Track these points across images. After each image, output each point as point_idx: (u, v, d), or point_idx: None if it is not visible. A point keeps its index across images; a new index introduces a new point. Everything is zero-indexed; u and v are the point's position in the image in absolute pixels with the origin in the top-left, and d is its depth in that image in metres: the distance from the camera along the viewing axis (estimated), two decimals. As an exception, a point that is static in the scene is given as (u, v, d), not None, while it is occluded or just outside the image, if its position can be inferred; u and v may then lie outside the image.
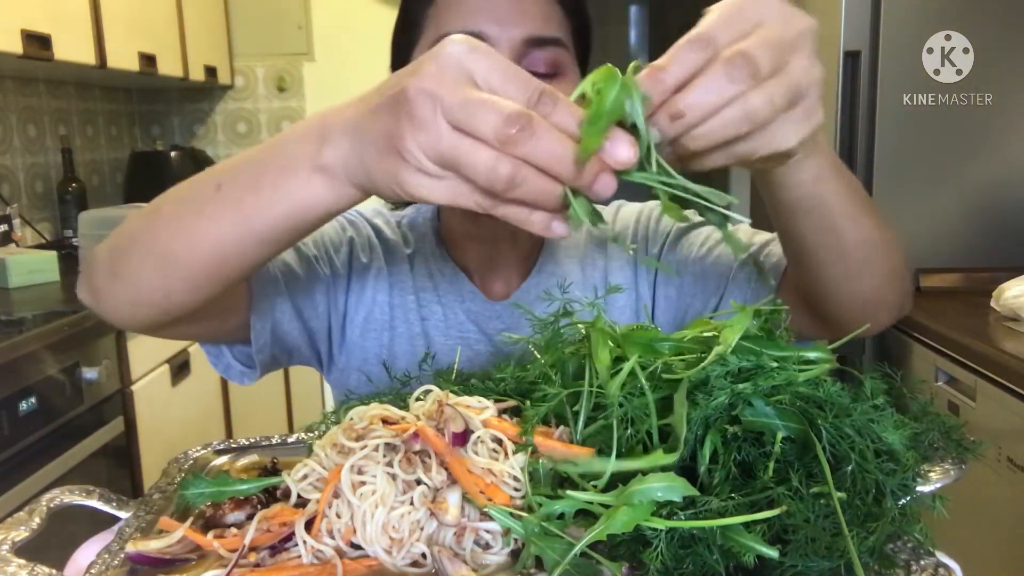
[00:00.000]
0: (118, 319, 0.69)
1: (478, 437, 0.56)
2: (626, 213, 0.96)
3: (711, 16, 0.51)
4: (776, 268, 0.82)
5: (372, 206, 0.94)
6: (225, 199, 0.59)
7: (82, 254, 2.36)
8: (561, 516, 0.50)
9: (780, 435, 0.51)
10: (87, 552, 0.58)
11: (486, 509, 0.52)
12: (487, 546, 0.52)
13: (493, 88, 0.47)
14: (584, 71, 0.86)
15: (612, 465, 0.52)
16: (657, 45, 5.20)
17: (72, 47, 2.24)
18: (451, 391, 0.64)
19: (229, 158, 0.62)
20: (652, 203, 0.96)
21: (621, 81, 0.46)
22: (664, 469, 0.50)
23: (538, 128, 0.45)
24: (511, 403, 0.63)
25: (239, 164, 0.60)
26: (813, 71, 0.51)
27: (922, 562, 0.48)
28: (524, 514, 0.51)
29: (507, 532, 0.51)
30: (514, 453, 0.56)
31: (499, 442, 0.57)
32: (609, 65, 0.47)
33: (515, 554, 0.52)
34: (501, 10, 0.78)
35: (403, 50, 0.85)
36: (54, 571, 0.52)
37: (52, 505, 0.60)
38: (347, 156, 0.52)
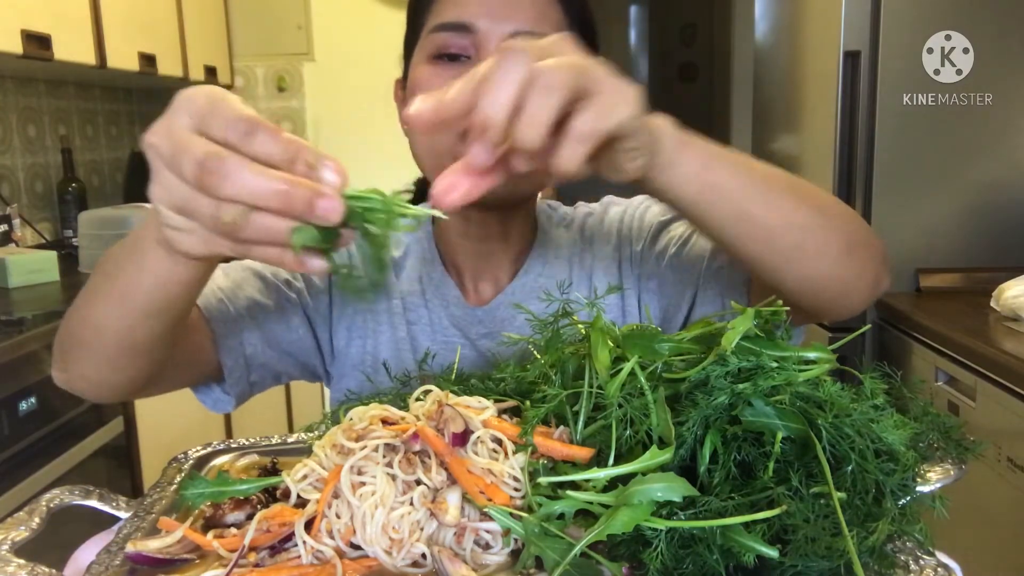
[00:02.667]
0: (88, 397, 0.73)
1: (478, 437, 0.56)
2: (613, 211, 0.96)
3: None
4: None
5: None
6: (109, 282, 0.61)
7: (82, 254, 2.36)
8: (561, 516, 0.50)
9: (780, 435, 0.51)
10: (87, 552, 0.58)
11: (486, 509, 0.52)
12: (487, 546, 0.52)
13: (208, 131, 0.45)
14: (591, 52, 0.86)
15: (609, 471, 0.52)
16: (657, 45, 5.20)
17: (72, 47, 2.24)
18: (451, 391, 0.64)
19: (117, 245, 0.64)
20: (638, 199, 0.96)
21: None
22: (663, 468, 0.50)
23: (231, 167, 0.43)
24: (511, 403, 0.63)
25: (115, 252, 0.62)
26: (585, 62, 0.50)
27: (922, 562, 0.48)
28: (524, 514, 0.51)
29: (507, 532, 0.51)
30: (514, 453, 0.56)
31: (499, 442, 0.57)
32: None
33: (515, 554, 0.52)
34: (495, 4, 0.78)
35: (408, 50, 0.86)
36: (54, 571, 0.52)
37: (52, 505, 0.60)
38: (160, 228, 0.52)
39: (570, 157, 0.49)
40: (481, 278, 0.92)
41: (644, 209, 0.94)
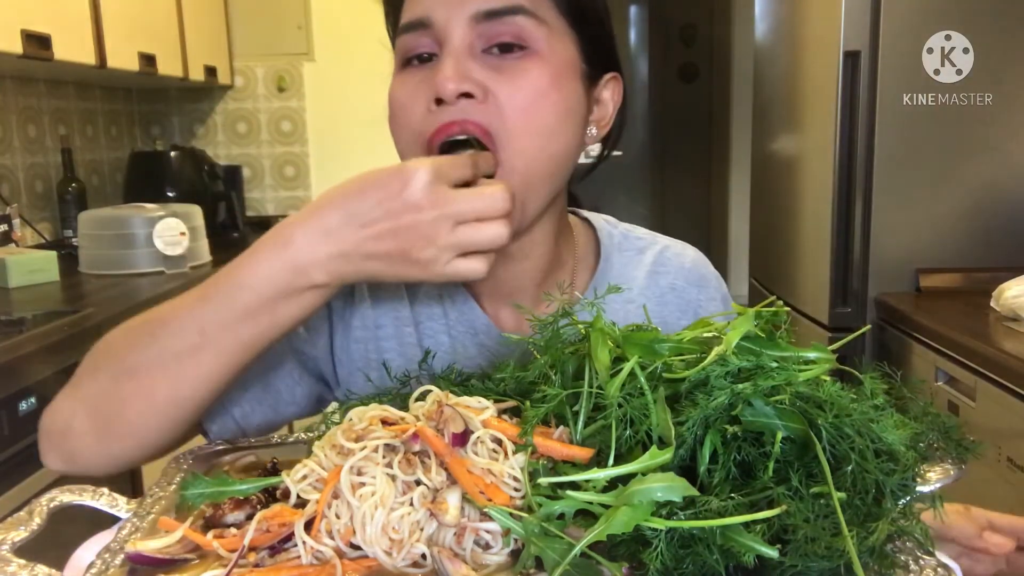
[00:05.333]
0: (99, 472, 0.71)
1: (478, 438, 0.56)
2: (714, 305, 0.89)
3: None
4: None
5: None
6: (212, 342, 0.65)
7: (82, 254, 2.36)
8: (561, 516, 0.50)
9: (780, 435, 0.51)
10: (87, 552, 0.58)
11: (486, 509, 0.52)
12: (487, 546, 0.52)
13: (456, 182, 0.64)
14: (596, 48, 0.78)
15: (609, 471, 0.51)
16: (657, 45, 5.20)
17: (72, 47, 2.24)
18: (450, 391, 0.64)
19: (173, 307, 0.68)
20: (726, 296, 0.91)
21: None
22: (663, 468, 0.50)
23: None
24: (511, 403, 0.63)
25: (206, 306, 0.65)
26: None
27: (922, 562, 0.48)
28: (524, 514, 0.51)
29: (507, 532, 0.51)
30: (514, 453, 0.56)
31: (499, 442, 0.57)
32: None
33: (515, 554, 0.52)
34: None
35: (392, 36, 0.81)
36: (54, 571, 0.52)
37: (52, 505, 0.60)
38: (341, 272, 0.64)
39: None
40: (500, 302, 0.85)
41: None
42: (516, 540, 0.51)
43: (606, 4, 0.80)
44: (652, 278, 0.88)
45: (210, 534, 0.54)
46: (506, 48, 0.72)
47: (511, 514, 0.51)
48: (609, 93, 0.82)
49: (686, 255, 0.91)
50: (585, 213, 0.94)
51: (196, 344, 0.64)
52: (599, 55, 0.79)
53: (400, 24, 0.75)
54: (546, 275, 0.84)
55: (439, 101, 0.71)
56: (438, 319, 0.84)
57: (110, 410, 0.67)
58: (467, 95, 0.70)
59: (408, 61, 0.75)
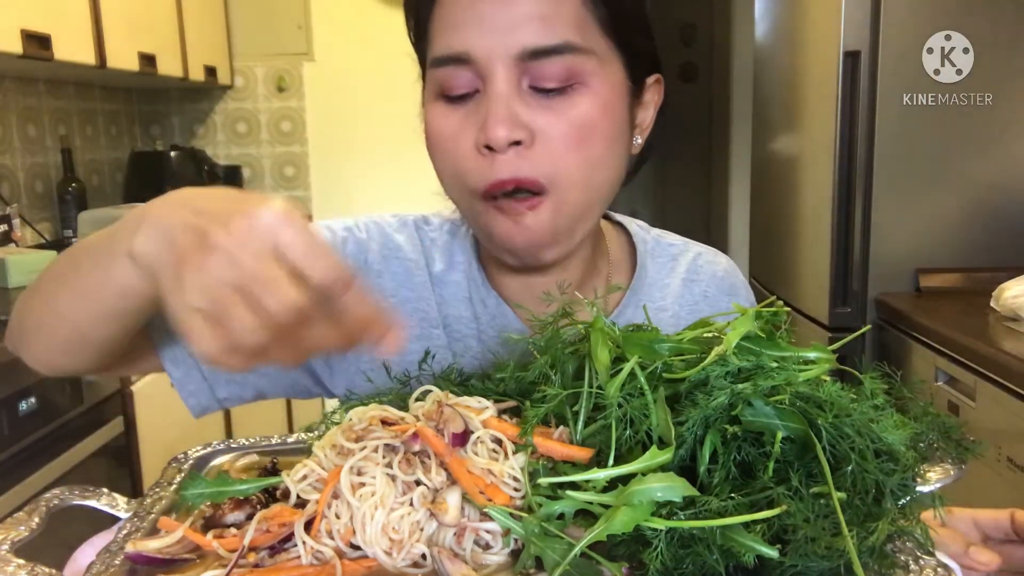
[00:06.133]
0: (39, 369, 0.73)
1: (478, 438, 0.56)
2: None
3: None
4: None
5: (396, 214, 0.88)
6: (76, 277, 0.62)
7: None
8: (561, 516, 0.50)
9: (780, 435, 0.51)
10: (87, 552, 0.58)
11: (486, 510, 0.52)
12: (487, 546, 0.52)
13: (293, 261, 0.48)
14: (641, 59, 0.75)
15: (609, 471, 0.51)
16: (657, 45, 5.19)
17: (72, 47, 2.24)
18: (451, 391, 0.64)
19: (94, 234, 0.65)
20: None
21: None
22: (663, 468, 0.50)
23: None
24: (511, 403, 0.63)
25: (90, 243, 0.62)
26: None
27: (922, 562, 0.48)
28: (524, 514, 0.51)
29: (507, 532, 0.51)
30: (514, 453, 0.56)
31: (499, 442, 0.57)
32: None
33: (515, 554, 0.52)
34: (488, 20, 0.67)
35: (422, 58, 0.77)
36: (54, 571, 0.52)
37: (52, 505, 0.60)
38: (151, 253, 0.53)
39: None
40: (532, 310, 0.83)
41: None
42: (516, 540, 0.51)
43: (647, 9, 0.76)
44: (687, 287, 0.88)
45: (210, 534, 0.54)
46: (549, 91, 0.69)
47: (511, 514, 0.51)
48: (651, 95, 0.79)
49: (718, 263, 0.92)
50: (618, 217, 0.93)
51: (66, 274, 0.64)
52: (644, 65, 0.76)
53: (436, 55, 0.71)
54: (582, 282, 0.83)
55: (489, 147, 0.68)
56: (467, 324, 0.82)
57: (18, 313, 0.71)
58: (517, 142, 0.68)
59: (446, 94, 0.71)
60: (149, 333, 0.77)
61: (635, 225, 0.92)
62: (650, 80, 0.78)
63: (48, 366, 0.71)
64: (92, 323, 0.63)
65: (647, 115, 0.79)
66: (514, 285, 0.83)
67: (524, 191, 0.70)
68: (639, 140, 0.79)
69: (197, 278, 0.47)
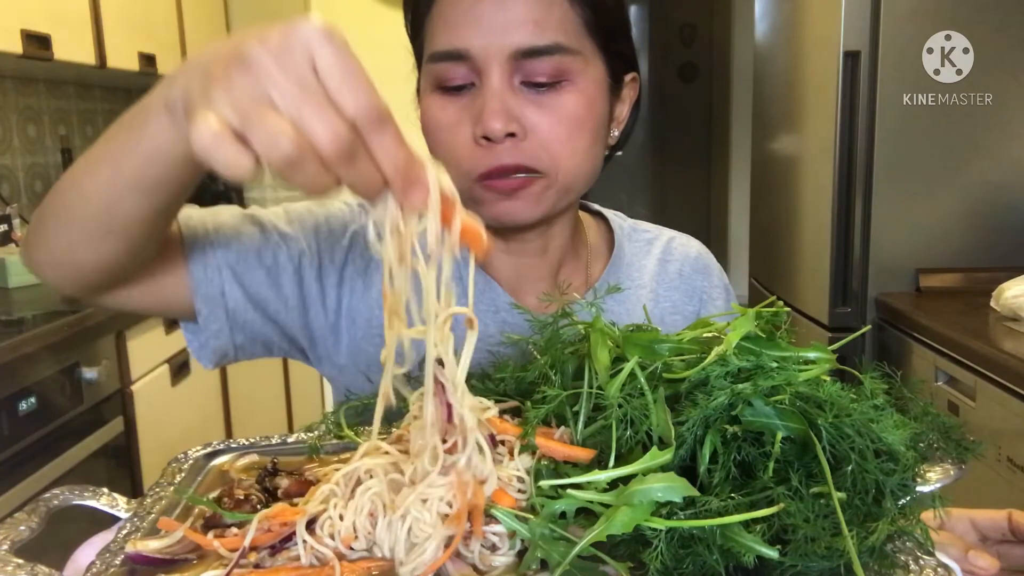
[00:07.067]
0: (44, 279, 0.71)
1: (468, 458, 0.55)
2: (718, 293, 0.98)
3: None
4: None
5: None
6: (105, 146, 0.59)
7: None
8: (562, 515, 0.50)
9: (780, 435, 0.51)
10: (87, 552, 0.58)
11: (491, 511, 0.52)
12: (494, 548, 0.52)
13: (327, 85, 0.44)
14: (620, 58, 0.82)
15: (610, 472, 0.52)
16: (657, 45, 5.20)
17: (72, 47, 2.24)
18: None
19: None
20: (727, 289, 0.99)
21: None
22: (663, 468, 0.50)
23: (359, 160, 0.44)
24: (511, 403, 0.63)
25: (122, 117, 0.58)
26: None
27: (922, 562, 0.48)
28: (530, 516, 0.51)
29: (513, 534, 0.51)
30: (518, 454, 0.56)
31: (501, 443, 0.57)
32: None
33: (520, 554, 0.52)
34: (486, 21, 0.73)
35: (418, 52, 0.82)
36: (54, 571, 0.52)
37: (52, 505, 0.60)
38: (187, 89, 0.48)
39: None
40: (520, 291, 0.89)
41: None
42: (521, 540, 0.51)
43: (626, 10, 0.85)
44: (662, 266, 0.96)
45: (210, 534, 0.54)
46: (539, 85, 0.76)
47: (516, 516, 0.51)
48: (627, 91, 0.88)
49: (691, 246, 1.01)
50: (594, 207, 1.01)
51: (96, 151, 0.61)
52: (622, 63, 0.84)
53: (436, 50, 0.76)
54: (562, 265, 0.91)
55: (486, 138, 0.74)
56: (455, 300, 0.85)
57: (40, 208, 0.67)
58: (511, 134, 0.75)
59: (443, 87, 0.77)
60: (189, 268, 0.76)
61: (611, 213, 1.01)
62: (627, 78, 0.87)
63: (65, 266, 0.67)
64: (119, 198, 0.59)
65: (624, 109, 0.88)
66: (504, 268, 0.89)
67: (522, 172, 0.77)
68: (616, 132, 0.87)
69: (224, 92, 0.43)
